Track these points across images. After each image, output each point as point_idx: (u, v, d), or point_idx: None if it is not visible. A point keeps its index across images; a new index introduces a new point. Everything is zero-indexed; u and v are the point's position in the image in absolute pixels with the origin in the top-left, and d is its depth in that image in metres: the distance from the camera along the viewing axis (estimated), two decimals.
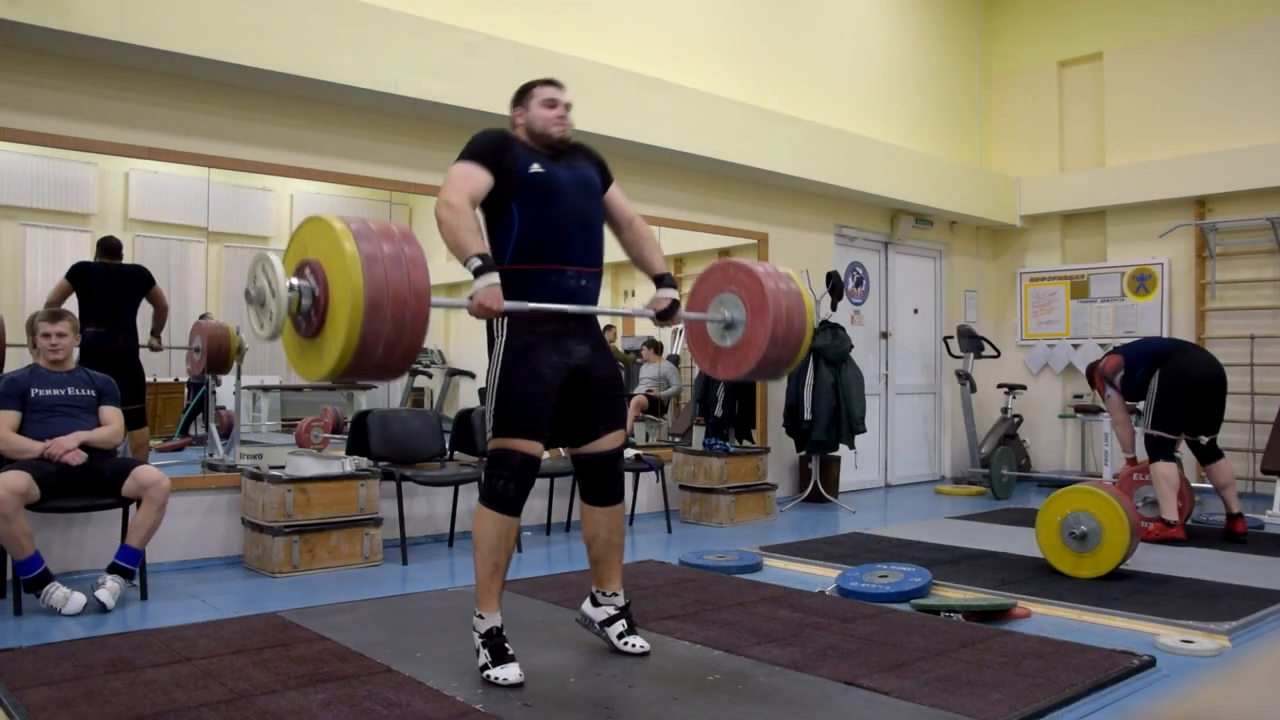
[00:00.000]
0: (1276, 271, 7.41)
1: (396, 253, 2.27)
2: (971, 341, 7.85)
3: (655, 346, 6.89)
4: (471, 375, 6.28)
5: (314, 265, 2.31)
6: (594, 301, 2.97)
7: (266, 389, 5.75)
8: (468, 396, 6.27)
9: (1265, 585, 4.05)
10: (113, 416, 3.99)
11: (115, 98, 4.33)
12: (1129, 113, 8.12)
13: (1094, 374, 5.64)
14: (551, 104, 2.93)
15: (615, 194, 3.11)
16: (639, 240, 3.12)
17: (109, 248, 4.65)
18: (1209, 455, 5.31)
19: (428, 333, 2.34)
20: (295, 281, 2.31)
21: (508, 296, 2.64)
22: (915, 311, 8.41)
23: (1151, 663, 3.02)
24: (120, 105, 4.35)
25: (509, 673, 2.75)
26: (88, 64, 4.24)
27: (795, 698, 2.67)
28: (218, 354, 4.99)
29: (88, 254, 4.69)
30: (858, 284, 7.85)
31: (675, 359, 7.02)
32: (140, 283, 4.69)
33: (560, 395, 2.88)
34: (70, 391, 3.92)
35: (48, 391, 3.87)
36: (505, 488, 2.82)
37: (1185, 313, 7.81)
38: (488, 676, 2.76)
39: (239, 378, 5.25)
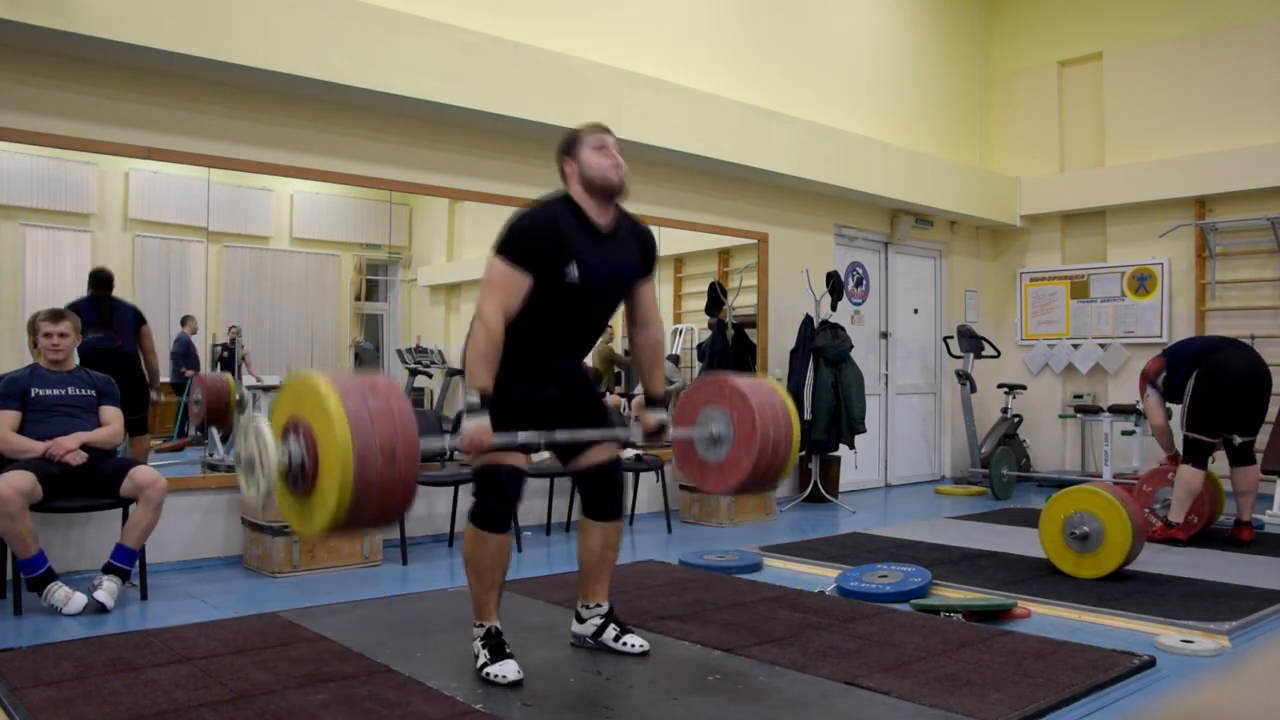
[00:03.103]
0: (1276, 271, 7.41)
1: (384, 407, 2.26)
2: (971, 341, 7.85)
3: None
4: None
5: (303, 424, 2.29)
6: (581, 373, 3.09)
7: (266, 389, 5.74)
8: None
9: (1265, 585, 4.05)
10: (113, 416, 3.99)
11: (115, 98, 4.33)
12: (1129, 113, 8.12)
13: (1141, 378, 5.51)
14: (602, 147, 2.85)
15: (646, 292, 3.05)
16: (648, 350, 3.08)
17: (101, 280, 4.57)
18: (1239, 457, 5.20)
19: (417, 486, 2.35)
20: (285, 447, 2.29)
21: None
22: (915, 311, 8.41)
23: (1151, 663, 3.02)
24: (120, 105, 4.35)
25: (507, 669, 2.75)
26: (88, 64, 4.24)
27: (795, 698, 2.67)
28: (218, 405, 4.96)
29: (88, 255, 4.68)
30: (858, 284, 7.85)
31: (675, 358, 7.02)
32: (133, 316, 4.60)
33: (538, 422, 2.84)
34: (70, 391, 3.92)
35: (48, 391, 3.87)
36: (495, 506, 2.80)
37: (1185, 313, 7.81)
38: (486, 675, 2.77)
39: (239, 378, 5.24)
